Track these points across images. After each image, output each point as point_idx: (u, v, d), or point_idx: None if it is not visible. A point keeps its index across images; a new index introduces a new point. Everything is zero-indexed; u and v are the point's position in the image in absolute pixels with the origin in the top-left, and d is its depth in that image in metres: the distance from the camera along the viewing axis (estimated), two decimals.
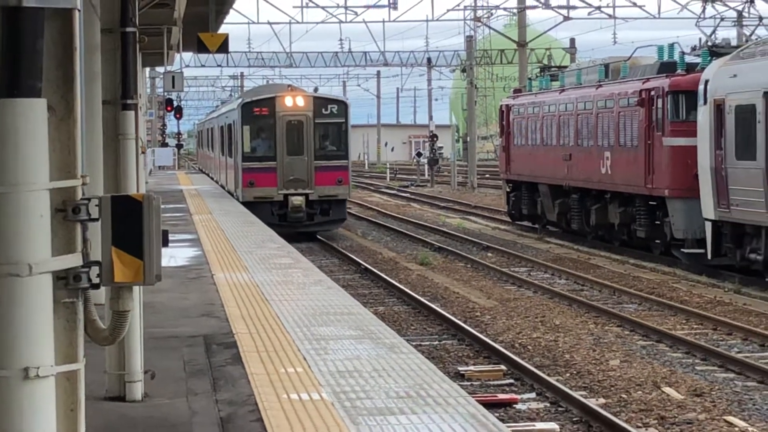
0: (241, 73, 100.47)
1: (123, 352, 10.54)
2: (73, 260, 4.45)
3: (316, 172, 38.44)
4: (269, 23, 60.35)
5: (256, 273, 19.20)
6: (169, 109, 64.06)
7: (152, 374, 11.01)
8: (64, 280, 4.43)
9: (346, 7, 56.18)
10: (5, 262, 4.24)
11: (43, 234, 4.30)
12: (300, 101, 38.77)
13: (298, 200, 38.03)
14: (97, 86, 10.99)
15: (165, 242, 5.03)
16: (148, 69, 53.05)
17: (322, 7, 56.01)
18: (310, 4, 55.19)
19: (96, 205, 4.55)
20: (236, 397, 10.52)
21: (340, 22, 58.11)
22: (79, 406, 4.54)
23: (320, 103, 39.29)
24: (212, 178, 56.70)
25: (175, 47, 30.39)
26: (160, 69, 54.29)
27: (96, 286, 4.55)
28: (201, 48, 29.36)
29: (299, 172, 38.32)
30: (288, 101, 38.62)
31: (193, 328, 14.18)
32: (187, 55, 57.20)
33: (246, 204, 37.05)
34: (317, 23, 58.99)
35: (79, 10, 4.53)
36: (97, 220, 4.58)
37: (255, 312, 15.20)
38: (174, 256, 21.66)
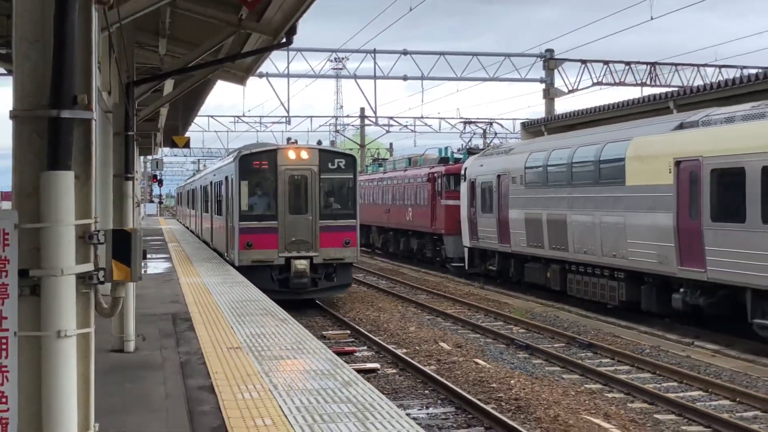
0: (198, 160, 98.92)
1: (122, 322, 10.32)
2: (89, 267, 4.37)
3: (321, 233, 20.96)
4: (215, 131, 59.61)
5: (205, 277, 18.90)
6: (154, 180, 62.68)
7: (143, 337, 10.81)
8: (83, 279, 4.35)
9: (260, 123, 56.06)
10: (48, 267, 4.17)
11: (71, 251, 4.23)
12: (304, 154, 21.27)
13: (302, 264, 20.64)
14: (109, 166, 10.78)
15: (144, 257, 4.99)
16: (142, 156, 51.95)
17: (246, 122, 55.71)
18: (239, 121, 54.93)
19: (103, 235, 4.48)
20: (190, 349, 10.35)
21: (257, 131, 57.83)
22: (91, 355, 4.44)
23: (326, 156, 21.56)
24: (195, 234, 37.26)
25: (158, 144, 29.94)
26: (149, 156, 53.21)
27: (102, 282, 4.48)
28: (173, 145, 28.87)
29: (303, 232, 20.88)
30: (291, 154, 21.21)
31: (165, 309, 13.93)
32: (166, 149, 56.15)
33: (242, 269, 20.40)
34: (243, 131, 58.83)
35: (95, 120, 4.47)
36: (103, 243, 4.51)
37: (203, 300, 14.98)
38: (156, 267, 21.19)
